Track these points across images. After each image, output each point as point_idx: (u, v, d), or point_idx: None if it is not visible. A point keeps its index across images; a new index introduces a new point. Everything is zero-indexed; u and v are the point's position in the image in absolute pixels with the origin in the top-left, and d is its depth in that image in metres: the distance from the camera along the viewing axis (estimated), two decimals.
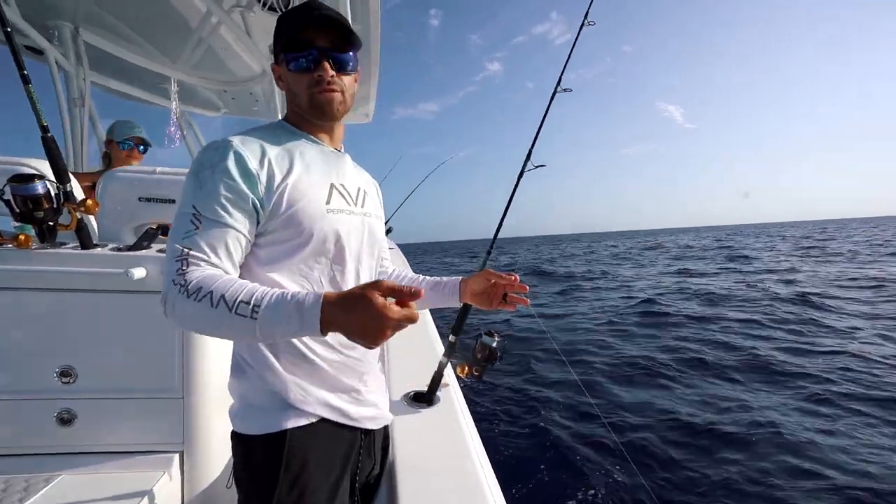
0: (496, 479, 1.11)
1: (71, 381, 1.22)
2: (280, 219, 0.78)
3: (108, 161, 2.28)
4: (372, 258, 0.95)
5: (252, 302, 0.64)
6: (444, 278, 1.17)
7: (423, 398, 1.38)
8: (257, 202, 0.76)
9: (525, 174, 1.33)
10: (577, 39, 1.38)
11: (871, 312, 8.19)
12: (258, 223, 0.78)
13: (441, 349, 1.70)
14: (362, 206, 0.92)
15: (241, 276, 0.80)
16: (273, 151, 0.81)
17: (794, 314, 8.22)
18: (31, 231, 1.21)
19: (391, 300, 0.64)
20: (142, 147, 2.30)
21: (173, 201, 1.48)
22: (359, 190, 0.93)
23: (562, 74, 1.32)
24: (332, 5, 1.79)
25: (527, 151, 1.31)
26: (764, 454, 3.50)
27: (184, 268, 0.69)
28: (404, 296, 0.64)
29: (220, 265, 0.72)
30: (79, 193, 1.35)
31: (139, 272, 1.22)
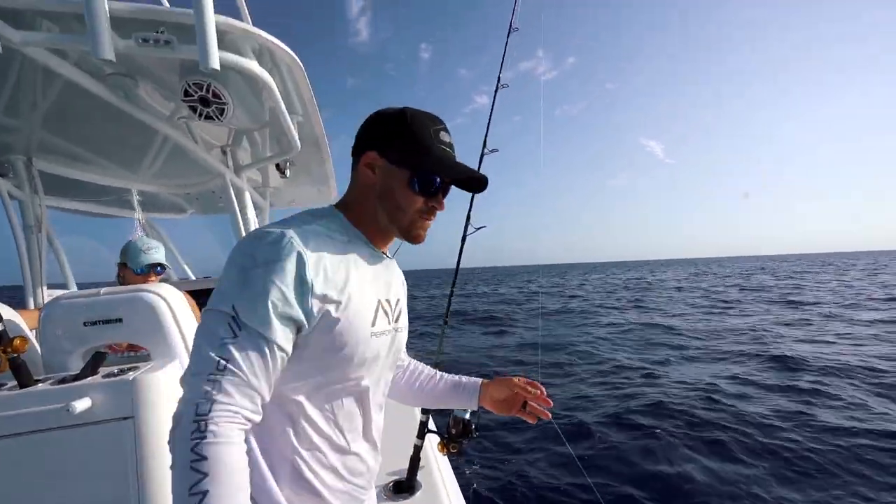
0: None
1: None
2: (323, 337, 0.70)
3: (122, 283, 2.20)
4: (392, 370, 0.90)
5: None
6: (464, 379, 1.11)
7: (404, 487, 1.29)
8: (303, 317, 0.67)
9: (468, 237, 1.34)
10: (494, 101, 1.46)
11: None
12: (296, 339, 0.69)
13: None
14: (397, 322, 0.86)
15: None
16: (330, 256, 0.71)
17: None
18: None
19: None
20: (159, 269, 2.15)
21: (120, 320, 1.44)
22: (398, 302, 0.88)
23: (486, 137, 1.38)
24: (273, 102, 1.87)
25: (466, 214, 1.33)
26: None
27: (219, 387, 0.59)
28: None
29: (259, 388, 0.63)
30: (21, 326, 1.31)
31: (82, 404, 1.15)
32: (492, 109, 1.45)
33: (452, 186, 0.85)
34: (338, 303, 0.70)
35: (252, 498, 0.70)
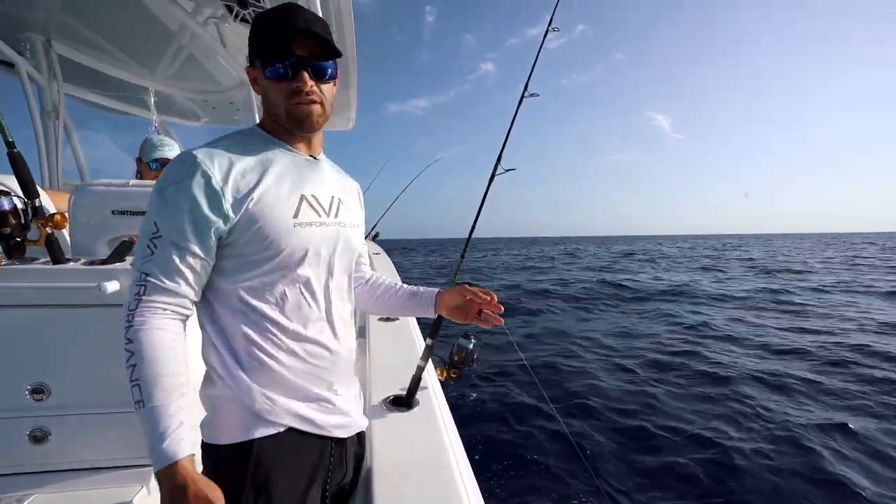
0: (475, 483, 1.12)
1: (44, 398, 1.21)
2: (245, 233, 0.78)
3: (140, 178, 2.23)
4: (344, 268, 0.95)
5: (142, 398, 0.70)
6: (421, 289, 1.19)
7: (402, 402, 1.39)
8: (220, 221, 0.76)
9: (496, 178, 1.35)
10: (541, 46, 1.41)
11: None
12: (221, 239, 0.79)
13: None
14: (336, 216, 0.91)
15: (204, 290, 0.81)
16: (241, 164, 0.80)
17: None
18: None
19: None
20: None
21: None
22: (332, 199, 0.92)
23: (528, 80, 1.35)
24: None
25: (497, 156, 1.33)
26: None
27: (140, 294, 0.73)
28: None
29: (178, 290, 0.75)
30: (50, 208, 1.34)
31: (112, 286, 1.21)
32: (538, 52, 1.40)
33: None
34: (250, 199, 0.78)
35: (226, 383, 0.81)
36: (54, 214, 1.22)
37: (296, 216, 0.83)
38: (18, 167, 1.21)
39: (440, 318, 1.35)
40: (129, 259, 1.38)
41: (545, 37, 1.45)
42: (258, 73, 0.85)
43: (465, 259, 1.47)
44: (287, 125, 0.87)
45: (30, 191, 1.22)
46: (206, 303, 0.84)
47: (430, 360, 1.42)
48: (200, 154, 0.78)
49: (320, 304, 0.88)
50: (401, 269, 4.09)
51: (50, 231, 1.22)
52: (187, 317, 0.79)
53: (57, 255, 1.27)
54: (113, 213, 1.46)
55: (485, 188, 1.43)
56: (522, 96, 1.36)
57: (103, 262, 1.33)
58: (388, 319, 2.21)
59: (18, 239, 1.19)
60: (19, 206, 1.17)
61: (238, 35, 2.61)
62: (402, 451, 1.17)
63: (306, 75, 0.82)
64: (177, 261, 0.74)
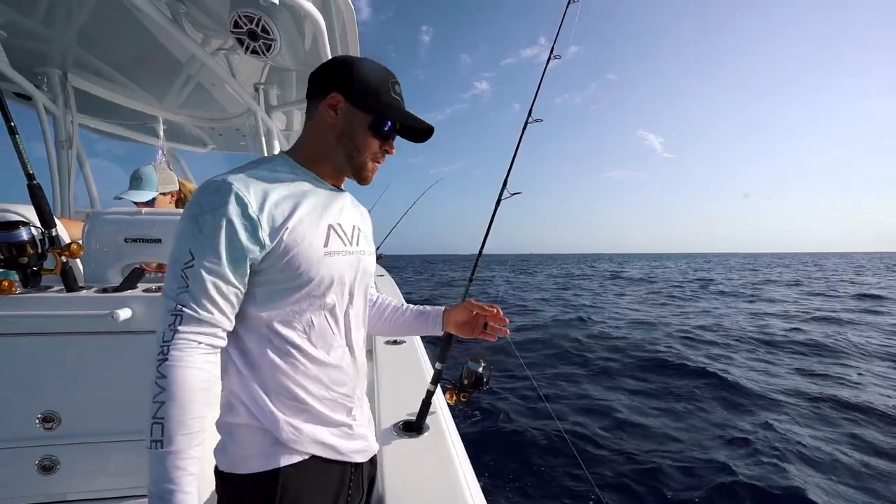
0: None
1: (53, 426, 1.21)
2: (279, 262, 0.79)
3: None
4: (363, 295, 0.97)
5: (162, 439, 0.68)
6: (428, 308, 1.21)
7: (413, 427, 1.38)
8: (256, 249, 0.76)
9: (502, 202, 1.37)
10: (544, 73, 1.45)
11: None
12: (254, 266, 0.78)
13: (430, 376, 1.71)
14: (357, 245, 0.93)
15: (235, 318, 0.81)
16: (275, 193, 0.80)
17: None
18: (14, 277, 1.22)
19: None
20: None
21: (160, 241, 1.50)
22: (354, 228, 0.94)
23: (532, 106, 1.38)
24: (317, 42, 1.86)
25: (503, 180, 1.36)
26: None
27: (175, 325, 0.71)
28: None
29: (212, 320, 0.74)
30: (65, 237, 1.37)
31: (124, 313, 1.23)
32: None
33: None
34: (286, 229, 0.78)
35: (250, 412, 0.81)
36: (70, 244, 1.24)
37: (326, 245, 0.84)
38: (37, 198, 1.25)
39: (449, 340, 1.35)
40: (140, 287, 1.40)
41: (547, 64, 1.50)
42: (352, 110, 0.86)
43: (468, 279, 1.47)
44: (348, 171, 0.91)
45: (47, 221, 1.25)
46: (232, 329, 0.83)
47: (438, 384, 1.42)
48: (236, 182, 0.77)
49: (342, 330, 0.89)
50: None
51: (65, 260, 1.25)
52: (220, 348, 0.78)
53: (70, 284, 1.29)
54: (126, 240, 1.49)
55: (492, 210, 1.46)
56: (526, 122, 1.40)
57: (115, 289, 1.34)
58: (394, 343, 2.20)
59: (35, 268, 1.22)
60: (37, 235, 1.20)
61: (246, 64, 2.69)
62: (413, 477, 1.16)
63: (393, 143, 0.90)
64: (212, 290, 0.73)
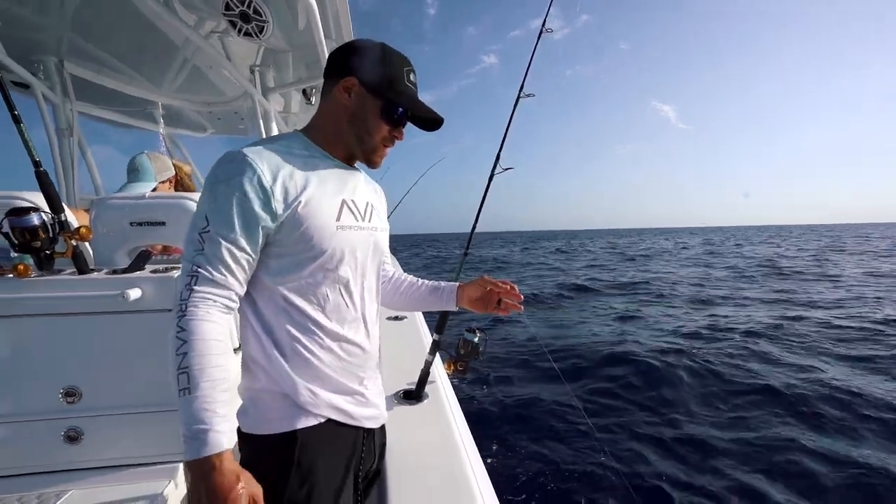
0: (485, 472, 1.18)
1: (76, 400, 1.29)
2: (292, 234, 0.82)
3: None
4: (375, 271, 1.00)
5: (189, 386, 0.71)
6: (442, 283, 1.24)
7: (413, 395, 1.45)
8: (269, 218, 0.80)
9: (495, 177, 1.40)
10: (535, 48, 1.46)
11: None
12: (268, 237, 0.82)
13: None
14: (369, 221, 0.96)
15: (249, 287, 0.85)
16: (288, 166, 0.83)
17: None
18: (30, 260, 1.28)
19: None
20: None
21: (164, 223, 1.55)
22: (367, 205, 0.97)
23: (523, 81, 1.40)
24: (310, 23, 1.86)
25: (495, 155, 1.39)
26: None
27: (192, 284, 0.76)
28: None
29: (225, 282, 0.78)
30: (73, 222, 1.42)
31: (134, 293, 1.29)
32: (532, 54, 1.45)
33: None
34: (299, 202, 0.81)
35: (270, 376, 0.85)
36: (80, 227, 1.29)
37: (338, 219, 0.87)
38: (45, 184, 1.29)
39: (446, 313, 1.41)
40: (148, 268, 1.45)
41: (539, 38, 1.50)
42: (364, 93, 0.89)
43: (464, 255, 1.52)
44: (358, 154, 0.95)
45: (56, 206, 1.30)
46: (250, 298, 0.87)
47: (437, 354, 1.48)
48: (251, 153, 0.80)
49: (356, 304, 0.93)
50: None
51: (76, 243, 1.30)
52: (233, 310, 0.82)
53: (82, 266, 1.34)
54: (132, 224, 1.54)
55: (485, 186, 1.49)
56: (518, 97, 1.41)
57: (125, 271, 1.40)
58: (395, 318, 2.27)
59: (48, 252, 1.27)
60: (47, 220, 1.25)
61: (241, 46, 2.68)
62: (413, 441, 1.23)
63: (403, 130, 0.93)
64: (225, 255, 0.77)
